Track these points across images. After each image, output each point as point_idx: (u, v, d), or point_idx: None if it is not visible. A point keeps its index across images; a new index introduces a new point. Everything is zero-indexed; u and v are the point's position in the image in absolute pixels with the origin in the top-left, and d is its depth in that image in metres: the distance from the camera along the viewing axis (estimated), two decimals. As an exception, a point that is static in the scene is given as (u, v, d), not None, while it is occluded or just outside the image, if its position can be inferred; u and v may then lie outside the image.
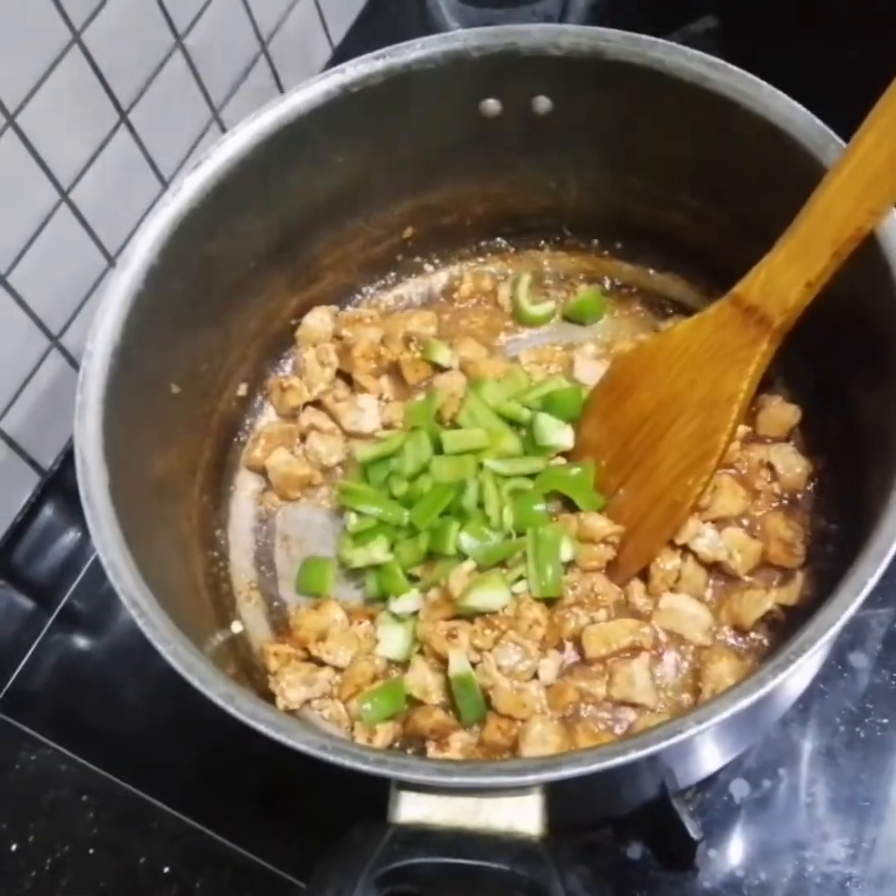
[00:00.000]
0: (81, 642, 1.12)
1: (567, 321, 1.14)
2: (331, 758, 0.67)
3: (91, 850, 1.00)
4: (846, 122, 0.84)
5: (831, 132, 0.86)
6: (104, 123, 1.08)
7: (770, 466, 1.00)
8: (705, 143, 0.94)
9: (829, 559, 0.94)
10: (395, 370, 1.10)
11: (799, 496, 1.00)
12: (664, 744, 0.65)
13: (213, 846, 0.98)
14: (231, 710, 0.69)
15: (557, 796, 0.69)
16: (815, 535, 0.97)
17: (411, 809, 0.68)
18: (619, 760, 0.65)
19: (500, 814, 0.67)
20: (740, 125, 0.89)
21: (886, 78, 0.80)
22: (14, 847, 1.00)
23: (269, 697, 0.93)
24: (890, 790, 0.94)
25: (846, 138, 0.84)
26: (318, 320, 1.11)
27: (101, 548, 0.76)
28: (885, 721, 0.97)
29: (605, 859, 0.94)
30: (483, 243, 1.17)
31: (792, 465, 1.00)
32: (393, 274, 1.17)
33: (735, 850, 0.94)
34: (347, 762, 0.66)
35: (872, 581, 0.69)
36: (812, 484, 1.00)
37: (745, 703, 0.66)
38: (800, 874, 0.92)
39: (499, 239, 1.16)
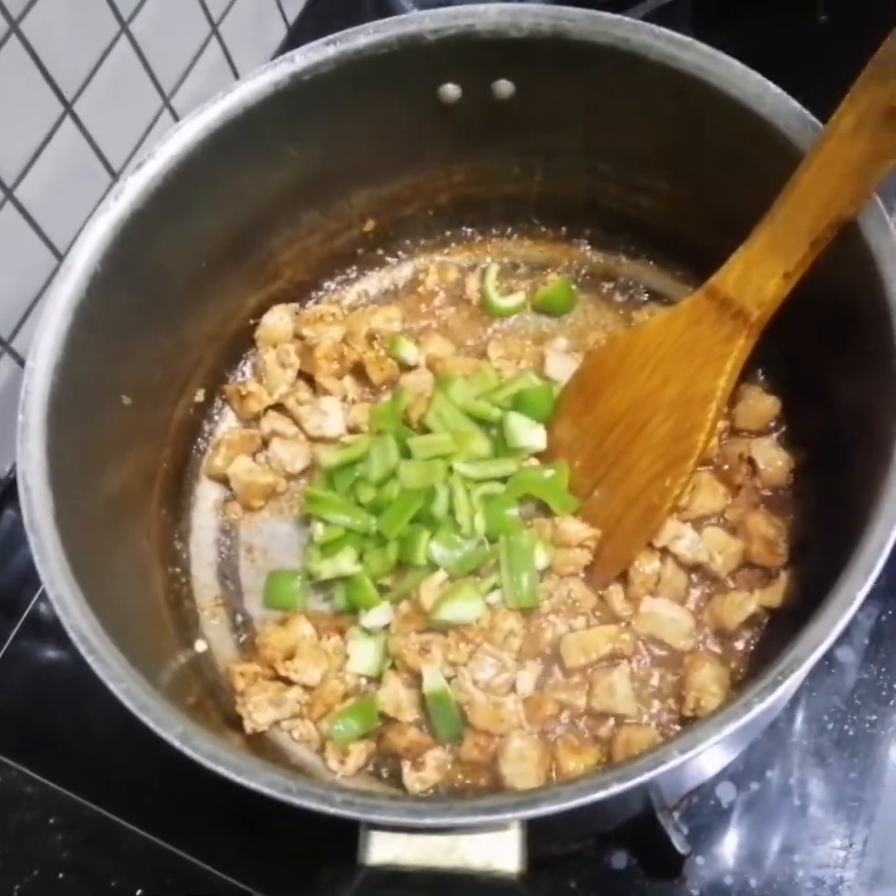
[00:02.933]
0: (48, 653, 1.08)
1: (537, 312, 1.10)
2: (296, 800, 0.64)
3: (60, 874, 0.97)
4: (816, 93, 0.81)
5: (807, 113, 0.82)
6: (48, 116, 1.03)
7: (750, 461, 0.97)
8: (675, 124, 0.90)
9: (814, 558, 0.91)
10: (359, 370, 1.06)
11: (781, 492, 0.97)
12: (647, 775, 0.62)
13: (185, 867, 0.95)
14: (187, 751, 0.66)
15: (537, 827, 0.66)
16: (798, 532, 0.94)
17: (383, 849, 0.65)
18: (600, 795, 0.62)
19: (477, 850, 0.64)
20: (711, 106, 0.86)
21: (860, 47, 0.77)
22: (-18, 872, 0.97)
23: (236, 719, 0.90)
24: (880, 789, 0.92)
25: (819, 115, 0.81)
26: (278, 319, 1.07)
27: (47, 581, 0.73)
28: (874, 717, 0.95)
29: (588, 870, 0.92)
30: (448, 233, 1.13)
31: (773, 458, 0.96)
32: (354, 268, 1.13)
33: (723, 857, 0.92)
34: (313, 805, 0.64)
35: (861, 595, 0.66)
36: (794, 479, 0.97)
37: (731, 727, 0.63)
38: (790, 879, 0.90)
39: (464, 228, 1.13)
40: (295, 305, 1.09)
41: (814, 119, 0.82)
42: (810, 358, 0.95)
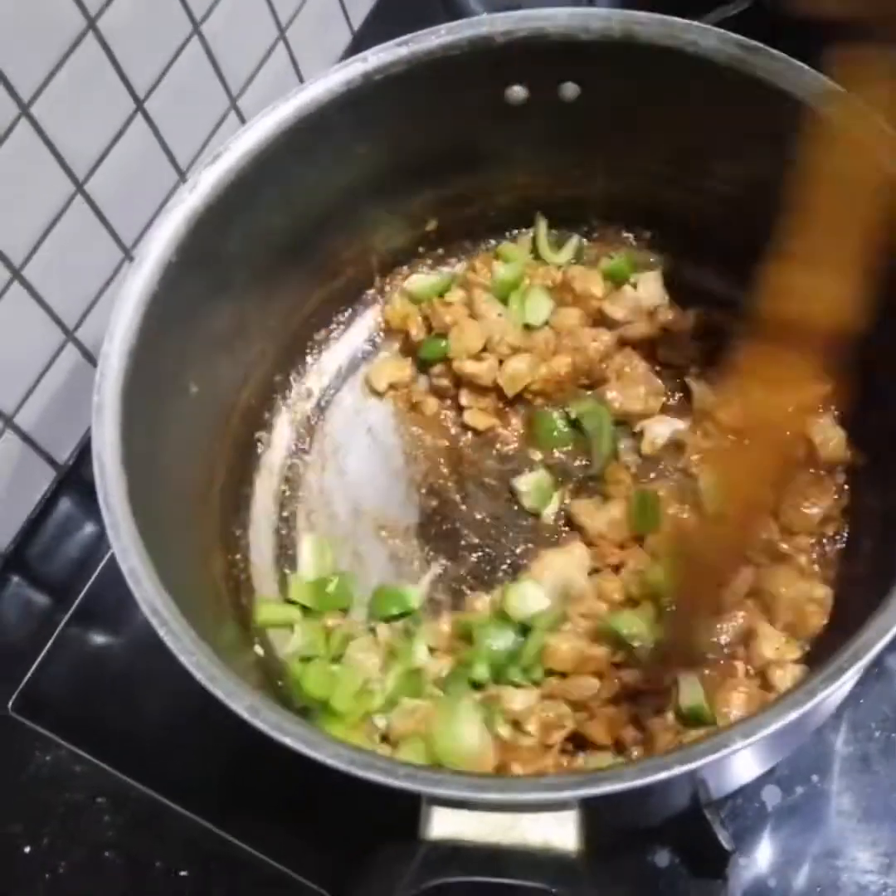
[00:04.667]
0: (98, 639, 1.09)
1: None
2: (359, 772, 0.65)
3: (106, 853, 0.97)
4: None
5: (881, 121, 0.81)
6: (120, 112, 1.05)
7: (807, 440, 0.97)
8: (743, 129, 0.91)
9: (876, 534, 0.93)
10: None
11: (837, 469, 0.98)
12: (709, 758, 0.63)
13: (232, 851, 0.95)
14: (257, 723, 0.67)
15: (591, 811, 0.67)
16: (859, 509, 0.95)
17: (443, 825, 0.65)
18: (662, 776, 0.63)
19: (537, 829, 0.65)
20: (780, 111, 0.86)
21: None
22: (28, 849, 0.98)
23: (288, 705, 0.91)
24: (927, 799, 0.92)
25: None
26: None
27: (120, 555, 0.74)
28: (922, 727, 0.95)
29: (631, 866, 0.92)
30: (508, 233, 1.14)
31: (829, 436, 0.96)
32: (414, 266, 1.14)
33: (766, 859, 0.91)
34: (377, 777, 0.64)
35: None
36: (851, 455, 0.98)
37: (793, 715, 0.64)
38: (833, 884, 0.90)
39: (525, 228, 1.13)
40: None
41: (887, 128, 0.81)
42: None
